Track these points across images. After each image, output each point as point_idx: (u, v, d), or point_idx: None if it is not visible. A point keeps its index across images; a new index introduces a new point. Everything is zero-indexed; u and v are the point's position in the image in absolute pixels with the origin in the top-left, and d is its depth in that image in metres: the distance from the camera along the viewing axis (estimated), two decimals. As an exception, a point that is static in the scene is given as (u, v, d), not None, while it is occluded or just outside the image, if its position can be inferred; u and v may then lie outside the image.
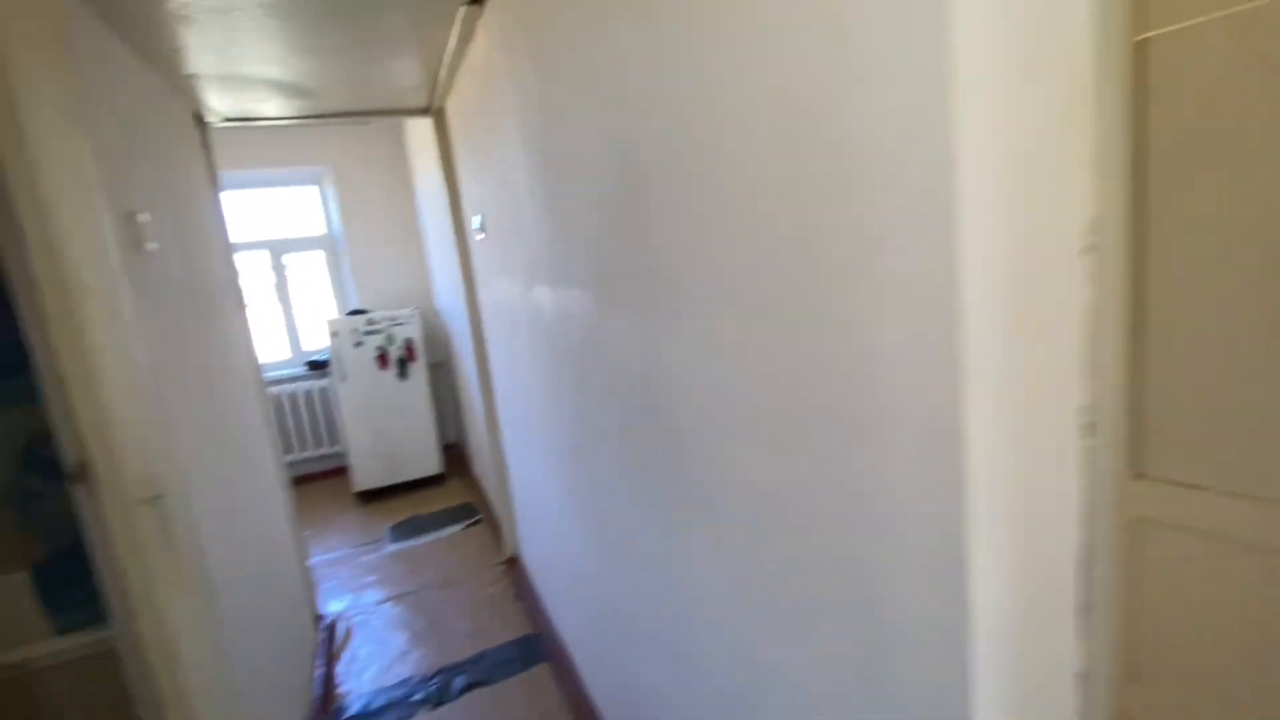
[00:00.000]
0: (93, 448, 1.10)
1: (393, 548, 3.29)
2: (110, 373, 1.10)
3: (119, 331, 1.12)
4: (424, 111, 2.64)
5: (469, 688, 2.14)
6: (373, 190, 4.42)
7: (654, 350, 0.99)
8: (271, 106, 2.38)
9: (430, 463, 4.07)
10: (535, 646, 2.30)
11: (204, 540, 1.36)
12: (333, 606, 2.77)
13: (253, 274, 4.27)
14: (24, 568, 1.55)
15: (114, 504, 1.12)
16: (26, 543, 1.51)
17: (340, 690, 2.23)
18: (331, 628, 2.60)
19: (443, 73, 2.18)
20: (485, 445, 3.10)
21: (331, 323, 3.83)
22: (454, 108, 2.41)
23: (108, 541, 1.13)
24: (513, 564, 2.90)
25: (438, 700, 2.09)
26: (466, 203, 2.54)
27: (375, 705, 2.12)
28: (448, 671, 2.23)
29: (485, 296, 2.54)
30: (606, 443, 1.32)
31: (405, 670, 2.29)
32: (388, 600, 2.79)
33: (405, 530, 3.47)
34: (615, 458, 1.28)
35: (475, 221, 2.34)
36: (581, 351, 1.36)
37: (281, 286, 4.40)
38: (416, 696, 2.12)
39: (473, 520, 3.48)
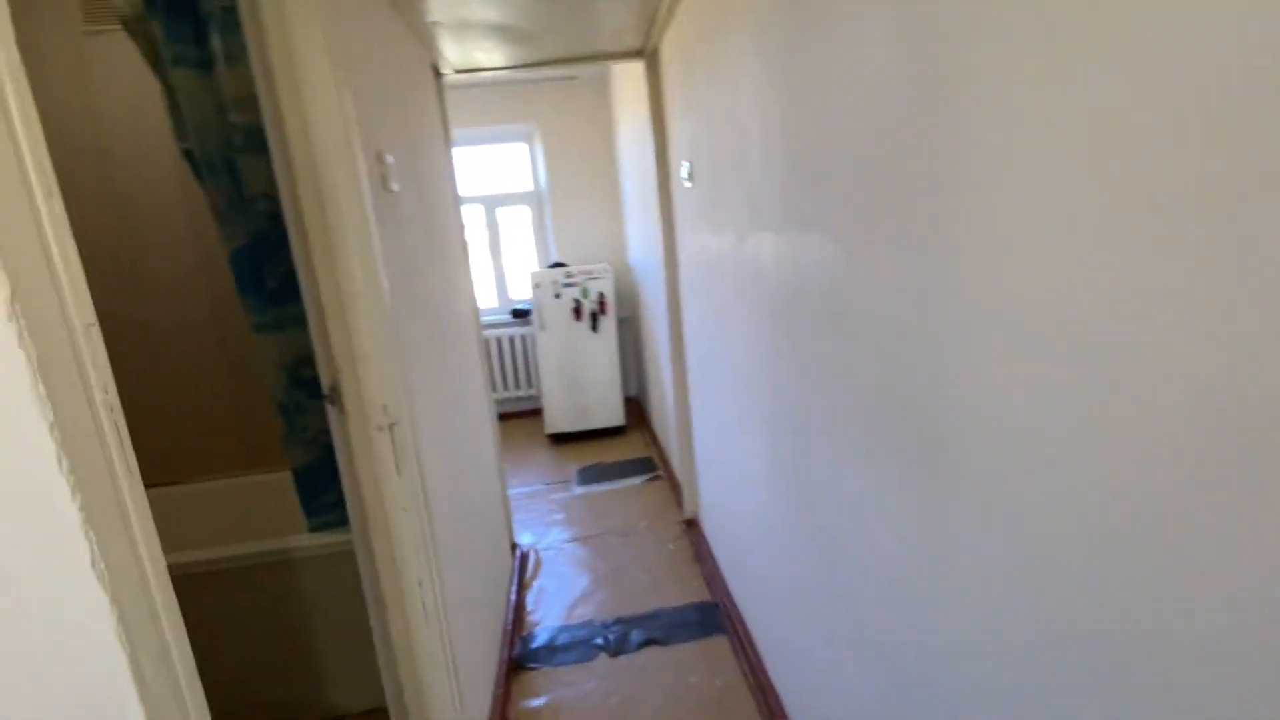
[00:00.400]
0: (344, 373, 1.18)
1: (579, 490, 3.44)
2: (361, 303, 1.16)
3: (370, 264, 1.17)
4: (637, 54, 2.55)
5: (646, 643, 2.13)
6: (575, 147, 4.53)
7: (944, 311, 0.77)
8: (494, 56, 2.46)
9: (614, 414, 4.18)
10: (714, 616, 2.23)
11: (426, 464, 1.44)
12: (525, 538, 2.97)
13: (470, 226, 4.65)
14: (288, 470, 1.79)
15: (358, 427, 1.20)
16: (290, 450, 1.74)
17: (530, 618, 2.37)
18: (524, 558, 2.78)
19: (663, 7, 2.05)
20: (669, 403, 3.06)
21: (534, 274, 4.03)
22: (669, 47, 2.28)
23: (350, 459, 1.22)
24: (692, 525, 2.85)
25: (616, 650, 2.12)
26: (674, 150, 2.42)
27: (560, 641, 2.20)
28: (626, 622, 2.25)
29: (685, 249, 2.43)
30: (836, 416, 1.13)
31: (587, 612, 2.36)
32: (573, 540, 2.91)
33: (591, 475, 3.60)
34: (848, 435, 1.09)
35: (683, 170, 2.21)
36: (812, 308, 1.17)
37: (494, 239, 4.75)
38: (597, 641, 2.17)
39: (653, 475, 3.50)
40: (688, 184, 2.17)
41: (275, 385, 1.71)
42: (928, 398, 0.81)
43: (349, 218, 1.12)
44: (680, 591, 2.41)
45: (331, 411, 1.21)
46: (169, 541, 1.94)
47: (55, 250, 0.49)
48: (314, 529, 1.84)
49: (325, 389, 1.20)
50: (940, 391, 0.78)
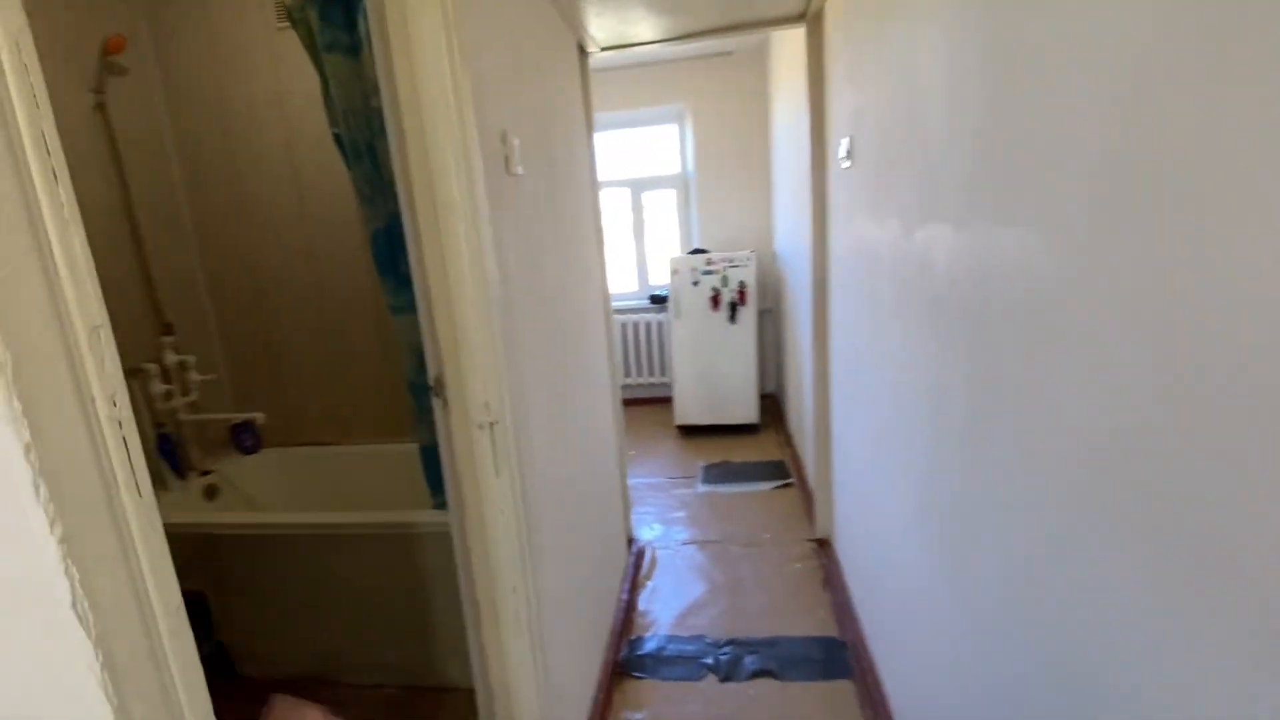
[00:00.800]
0: (447, 365, 1.13)
1: (703, 488, 3.29)
2: (467, 292, 1.10)
3: (478, 251, 1.10)
4: (798, 19, 2.28)
5: (759, 674, 1.94)
6: (727, 128, 4.31)
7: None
8: (645, 29, 2.33)
9: (747, 410, 3.96)
10: (840, 656, 1.98)
11: (532, 463, 1.37)
12: (643, 533, 2.89)
13: (614, 210, 4.63)
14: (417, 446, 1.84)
15: (459, 422, 1.15)
16: (419, 428, 1.78)
17: (640, 620, 2.28)
18: (640, 554, 2.70)
19: (828, -41, 1.78)
20: (808, 406, 2.79)
21: (673, 260, 3.91)
22: (834, 6, 2.00)
23: (452, 455, 1.17)
24: (823, 546, 2.58)
25: (726, 674, 1.95)
26: (832, 126, 2.14)
27: (668, 651, 2.09)
28: (740, 645, 2.07)
29: (837, 239, 2.15)
30: (1024, 467, 0.86)
31: (700, 623, 2.22)
32: (693, 543, 2.78)
33: (717, 474, 3.43)
34: (1043, 496, 0.82)
35: (841, 148, 1.94)
36: (1001, 321, 0.90)
37: (638, 223, 4.69)
38: (706, 659, 2.02)
39: (784, 481, 3.25)
40: (845, 164, 1.89)
41: (408, 365, 1.75)
42: (1218, 471, 0.54)
43: (458, 200, 1.05)
44: (803, 620, 2.18)
45: (436, 404, 1.17)
46: (317, 500, 2.08)
47: (56, 242, 0.42)
48: (438, 506, 1.88)
49: (430, 380, 1.16)
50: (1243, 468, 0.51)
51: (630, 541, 2.73)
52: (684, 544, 2.77)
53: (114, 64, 2.17)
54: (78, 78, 2.07)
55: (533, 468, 1.36)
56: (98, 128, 2.13)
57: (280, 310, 2.55)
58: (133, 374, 2.16)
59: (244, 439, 2.58)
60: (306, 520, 1.92)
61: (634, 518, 2.93)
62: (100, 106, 2.13)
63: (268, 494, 2.54)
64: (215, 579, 2.03)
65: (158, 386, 2.22)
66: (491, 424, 1.13)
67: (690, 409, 4.03)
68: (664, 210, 4.70)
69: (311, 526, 1.91)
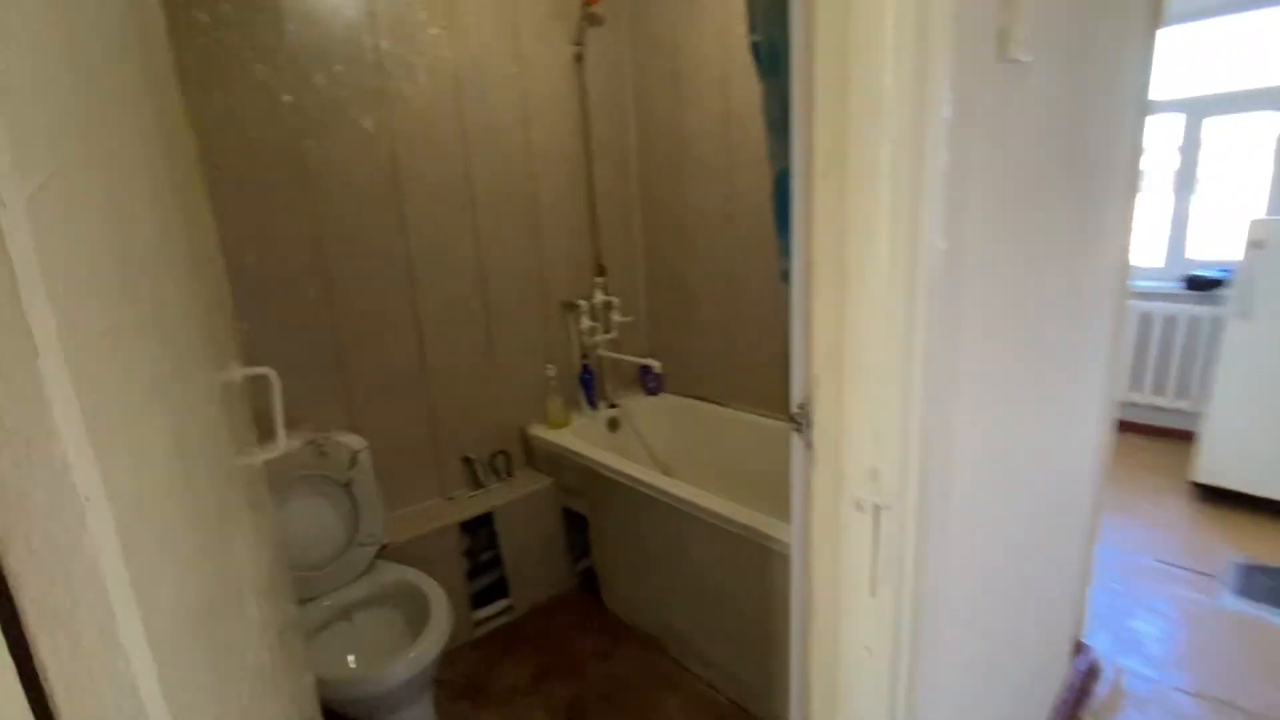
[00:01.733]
0: (819, 389, 0.68)
1: (1231, 603, 2.03)
2: (872, 264, 0.62)
3: (912, 193, 0.60)
4: None
5: None
6: None
7: None
8: None
9: (1366, 496, 2.28)
10: None
11: (945, 554, 0.83)
12: (1098, 639, 1.92)
13: (1150, 146, 3.17)
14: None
15: (823, 484, 0.70)
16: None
17: (1071, 783, 1.49)
18: (1092, 672, 1.79)
19: None
20: None
21: (1255, 225, 2.42)
22: None
23: (805, 528, 0.74)
24: None
25: None
26: None
27: None
28: None
29: None
30: None
31: None
32: (1197, 694, 1.70)
33: (1263, 585, 2.08)
34: None
35: None
36: None
37: (1186, 166, 3.13)
38: None
39: None
40: None
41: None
42: None
43: (886, 95, 0.56)
44: None
45: (796, 443, 0.74)
46: (695, 457, 1.92)
47: None
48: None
49: (793, 405, 0.73)
50: None
51: (1078, 647, 1.83)
52: (1179, 690, 1.73)
53: (593, 15, 2.30)
54: (564, 32, 2.25)
55: (935, 577, 0.81)
56: (574, 79, 2.32)
57: (697, 261, 2.48)
58: (569, 308, 2.39)
59: (648, 381, 2.68)
60: (657, 484, 1.82)
61: (1088, 606, 1.97)
62: (578, 58, 2.30)
63: (658, 436, 2.60)
64: (595, 508, 2.13)
65: (586, 322, 2.41)
66: (877, 507, 0.65)
67: (1232, 462, 2.56)
68: (1242, 147, 3.00)
69: (662, 492, 1.79)
